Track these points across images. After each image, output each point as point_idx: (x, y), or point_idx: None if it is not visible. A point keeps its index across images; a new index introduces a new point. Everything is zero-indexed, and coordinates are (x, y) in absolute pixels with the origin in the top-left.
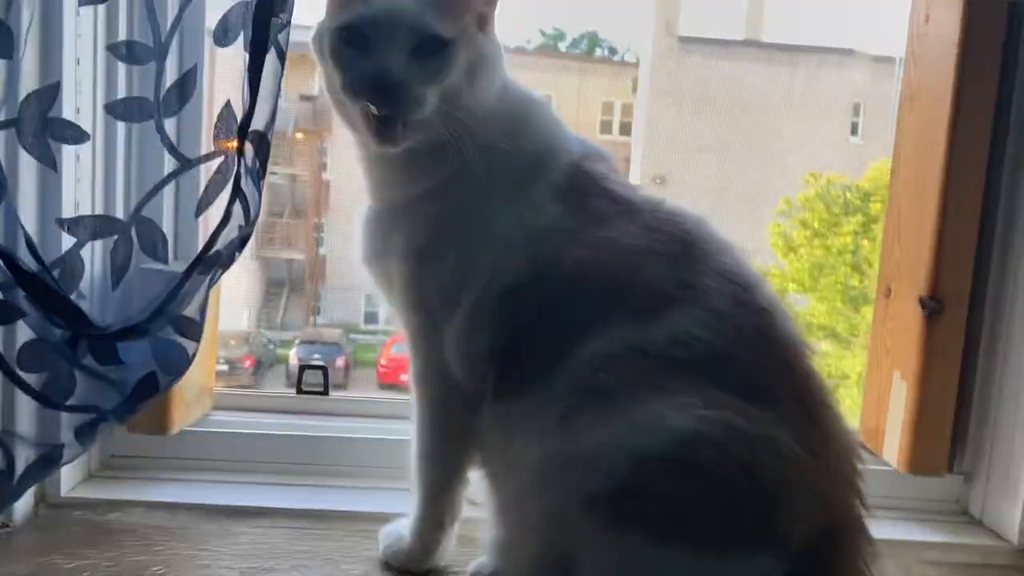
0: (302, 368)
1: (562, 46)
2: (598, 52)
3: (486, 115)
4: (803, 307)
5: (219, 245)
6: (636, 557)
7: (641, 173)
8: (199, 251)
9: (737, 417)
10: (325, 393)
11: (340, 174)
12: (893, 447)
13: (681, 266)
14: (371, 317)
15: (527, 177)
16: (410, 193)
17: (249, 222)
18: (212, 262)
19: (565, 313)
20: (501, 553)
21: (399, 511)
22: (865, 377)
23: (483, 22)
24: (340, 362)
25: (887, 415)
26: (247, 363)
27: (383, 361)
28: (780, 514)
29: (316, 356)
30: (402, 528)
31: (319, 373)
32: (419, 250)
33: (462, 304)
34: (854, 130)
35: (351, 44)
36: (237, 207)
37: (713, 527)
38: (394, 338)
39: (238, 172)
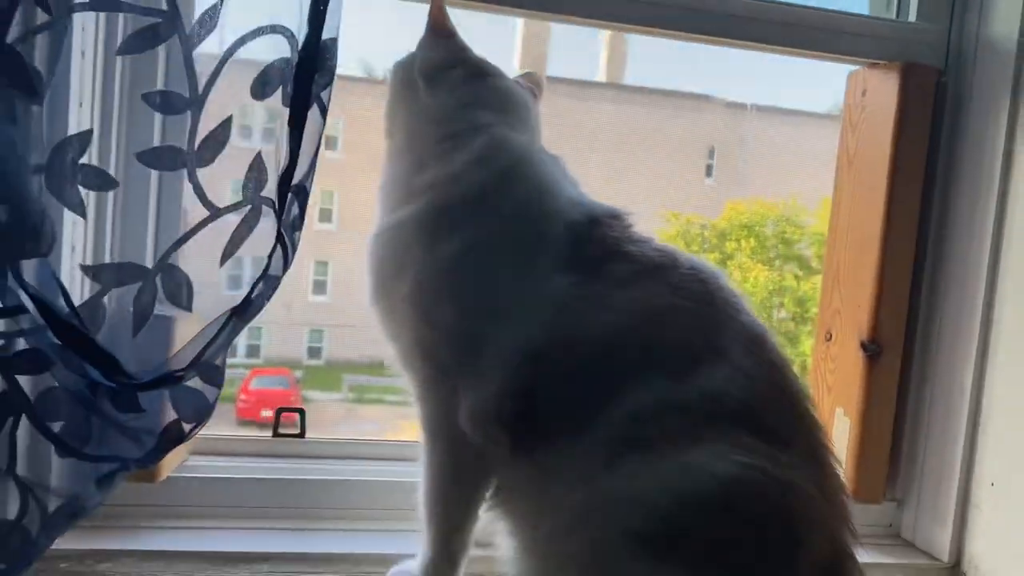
0: (279, 411)
1: None
2: None
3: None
4: None
5: (255, 292)
6: None
7: None
8: (241, 300)
9: (767, 463)
10: (302, 436)
11: None
12: None
13: (707, 325)
14: (210, 275)
15: (523, 247)
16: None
17: (284, 271)
18: (254, 310)
19: (598, 373)
20: None
21: (395, 551)
22: None
23: None
24: None
25: None
26: None
27: (243, 396)
28: (801, 551)
29: None
30: (412, 568)
31: (296, 416)
32: (423, 294)
33: (476, 364)
34: (708, 172)
35: None
36: (278, 255)
37: (747, 562)
38: (255, 371)
39: (280, 223)
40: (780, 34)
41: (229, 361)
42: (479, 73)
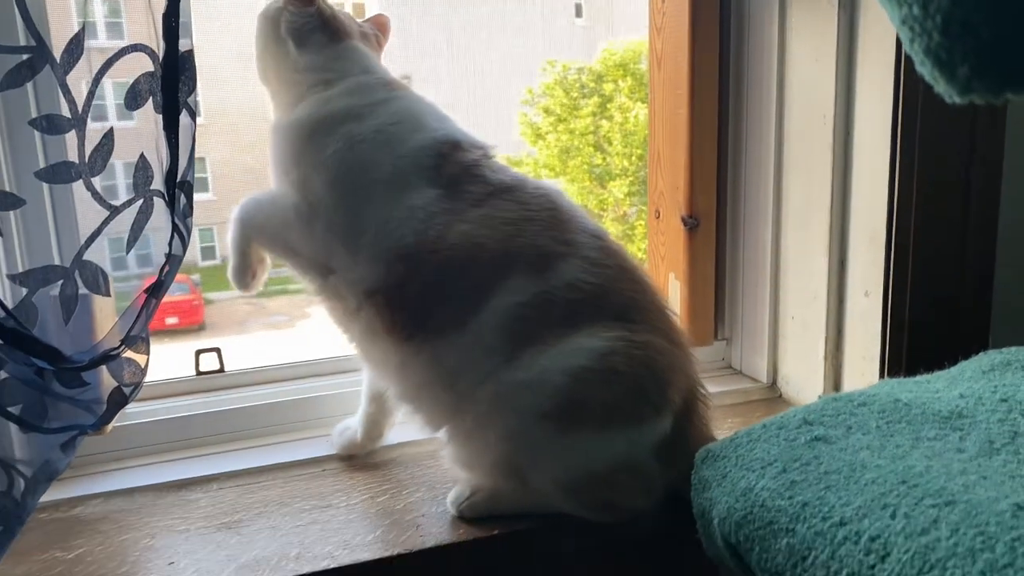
0: (198, 353)
1: None
2: None
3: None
4: None
5: (164, 273)
6: (584, 446)
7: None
8: (154, 281)
9: (627, 332)
10: (222, 371)
11: None
12: None
13: (554, 227)
14: (119, 263)
15: (394, 151)
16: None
17: (184, 251)
18: (165, 288)
19: (463, 277)
20: (468, 468)
21: (321, 454)
22: None
23: None
24: None
25: None
26: None
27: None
28: (669, 388)
29: None
30: (350, 422)
31: (214, 355)
32: (308, 187)
33: (354, 249)
34: (579, 12)
35: None
36: (176, 241)
37: (634, 408)
38: (148, 281)
39: (174, 215)
40: None
41: (123, 274)
42: (337, 36)
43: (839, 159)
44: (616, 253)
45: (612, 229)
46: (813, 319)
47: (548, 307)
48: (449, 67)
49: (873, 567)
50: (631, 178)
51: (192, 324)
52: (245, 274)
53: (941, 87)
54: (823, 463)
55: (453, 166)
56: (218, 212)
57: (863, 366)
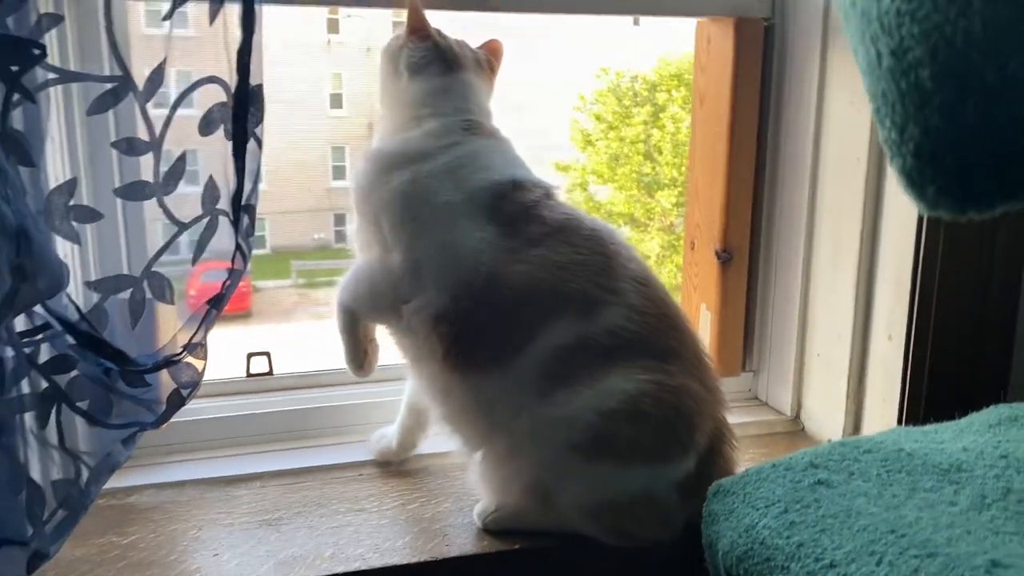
0: (249, 356)
1: None
2: None
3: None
4: (604, 198)
5: (226, 286)
6: (608, 478)
7: None
8: (217, 293)
9: (661, 376)
10: (271, 374)
11: None
12: None
13: (603, 274)
14: (175, 248)
15: (456, 189)
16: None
17: (245, 268)
18: (226, 300)
19: (515, 315)
20: (497, 488)
21: (361, 459)
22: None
23: None
24: None
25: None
26: None
27: (192, 292)
28: (696, 431)
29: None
30: (388, 430)
31: (264, 358)
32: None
33: (418, 279)
34: (636, 20)
35: None
36: (238, 257)
37: (660, 447)
38: (202, 266)
39: (237, 235)
40: (631, 3)
41: (174, 258)
42: (450, 68)
43: (870, 204)
44: (660, 301)
45: (657, 239)
46: (837, 358)
47: (587, 350)
48: (503, 72)
49: None
50: (680, 188)
51: (240, 310)
52: (357, 354)
53: (913, 199)
54: (822, 506)
55: (513, 205)
56: (271, 202)
57: (883, 408)
